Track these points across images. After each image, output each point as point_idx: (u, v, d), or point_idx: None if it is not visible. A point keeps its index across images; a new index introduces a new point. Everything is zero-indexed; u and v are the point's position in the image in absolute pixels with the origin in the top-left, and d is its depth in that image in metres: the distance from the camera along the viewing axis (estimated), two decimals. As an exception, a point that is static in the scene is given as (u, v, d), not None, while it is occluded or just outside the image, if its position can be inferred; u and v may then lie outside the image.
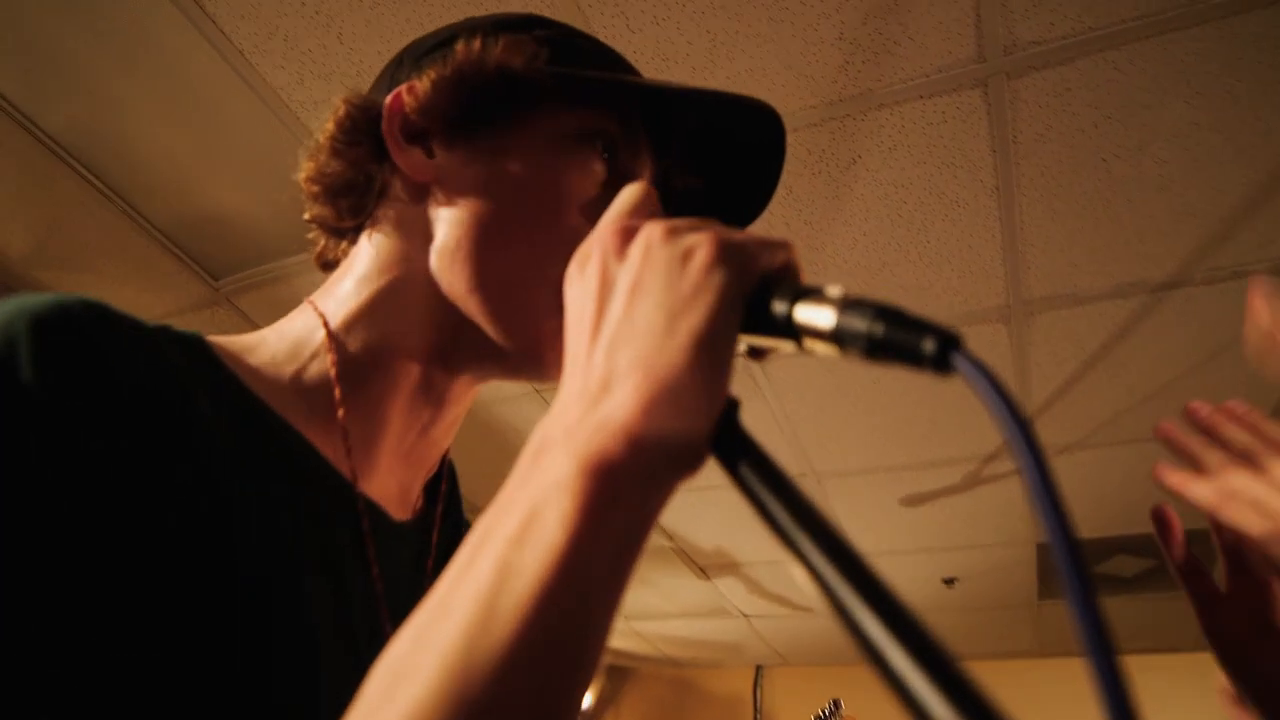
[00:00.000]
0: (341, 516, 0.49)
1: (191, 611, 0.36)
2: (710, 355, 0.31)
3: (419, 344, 0.53)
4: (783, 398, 2.47)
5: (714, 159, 0.61)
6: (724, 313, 0.32)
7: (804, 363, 2.30)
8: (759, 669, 4.86)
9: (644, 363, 0.31)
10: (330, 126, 0.54)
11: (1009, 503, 2.93)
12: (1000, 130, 1.62)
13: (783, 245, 0.35)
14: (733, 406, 0.33)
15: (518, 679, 0.26)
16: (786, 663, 4.80)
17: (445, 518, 0.60)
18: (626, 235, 0.36)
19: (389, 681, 0.27)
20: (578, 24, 1.47)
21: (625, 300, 0.33)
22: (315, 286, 0.59)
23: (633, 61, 1.55)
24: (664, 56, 1.52)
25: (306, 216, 0.57)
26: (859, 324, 0.30)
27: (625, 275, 0.34)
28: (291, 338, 0.53)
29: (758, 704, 4.74)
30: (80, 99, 1.71)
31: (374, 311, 0.53)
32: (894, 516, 3.10)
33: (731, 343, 0.33)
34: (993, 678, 4.02)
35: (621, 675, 5.21)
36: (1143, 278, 1.92)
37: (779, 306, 0.33)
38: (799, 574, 0.27)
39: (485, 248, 0.51)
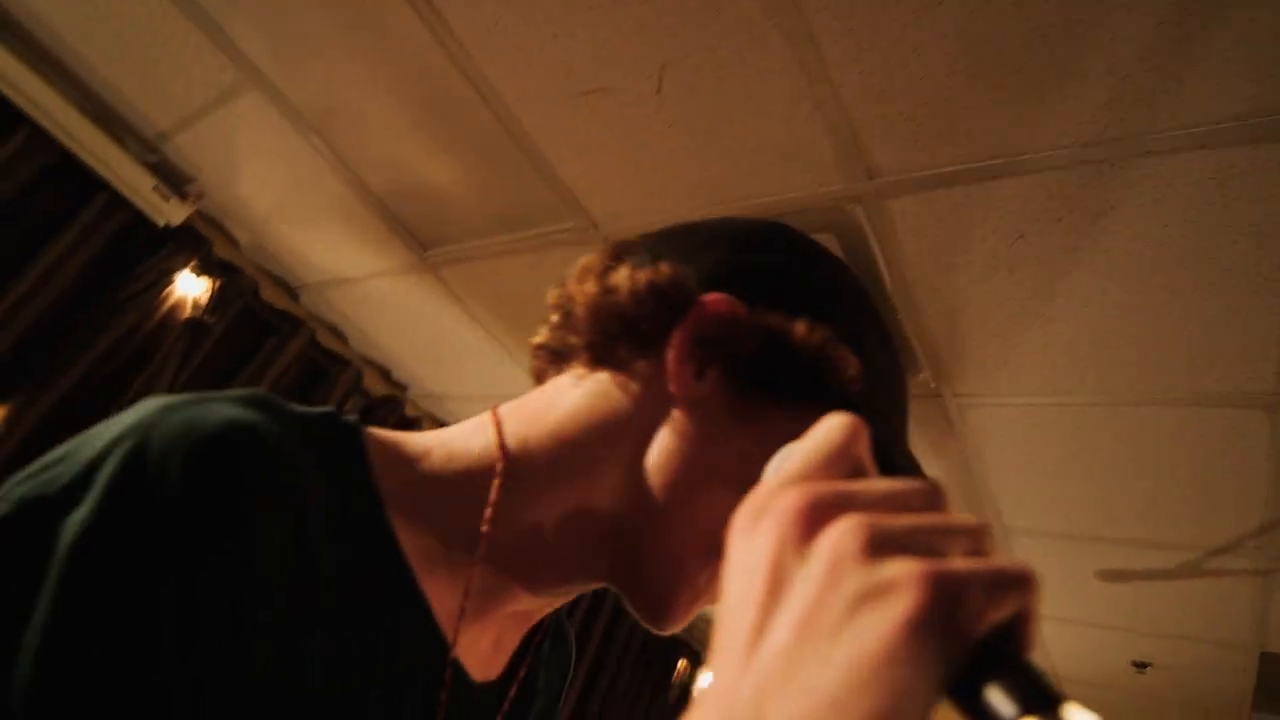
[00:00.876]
0: (424, 680, 0.47)
1: None
2: None
3: (576, 532, 0.50)
4: (979, 442, 2.24)
5: None
6: (918, 701, 0.23)
7: (1009, 413, 2.07)
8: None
9: None
10: (641, 282, 0.51)
11: (1232, 603, 2.52)
12: (1305, 194, 1.32)
13: (1019, 582, 0.25)
14: None
15: None
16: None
17: (528, 677, 0.57)
18: (815, 519, 0.27)
19: None
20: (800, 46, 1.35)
21: (794, 636, 0.25)
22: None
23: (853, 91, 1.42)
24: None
25: (554, 318, 0.55)
26: None
27: (800, 596, 0.26)
28: (462, 464, 0.49)
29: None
30: (320, 73, 1.82)
31: (556, 479, 0.50)
32: (1086, 587, 2.77)
33: None
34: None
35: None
36: None
37: (998, 704, 0.23)
38: None
39: (693, 505, 0.49)
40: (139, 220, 2.36)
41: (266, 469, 0.37)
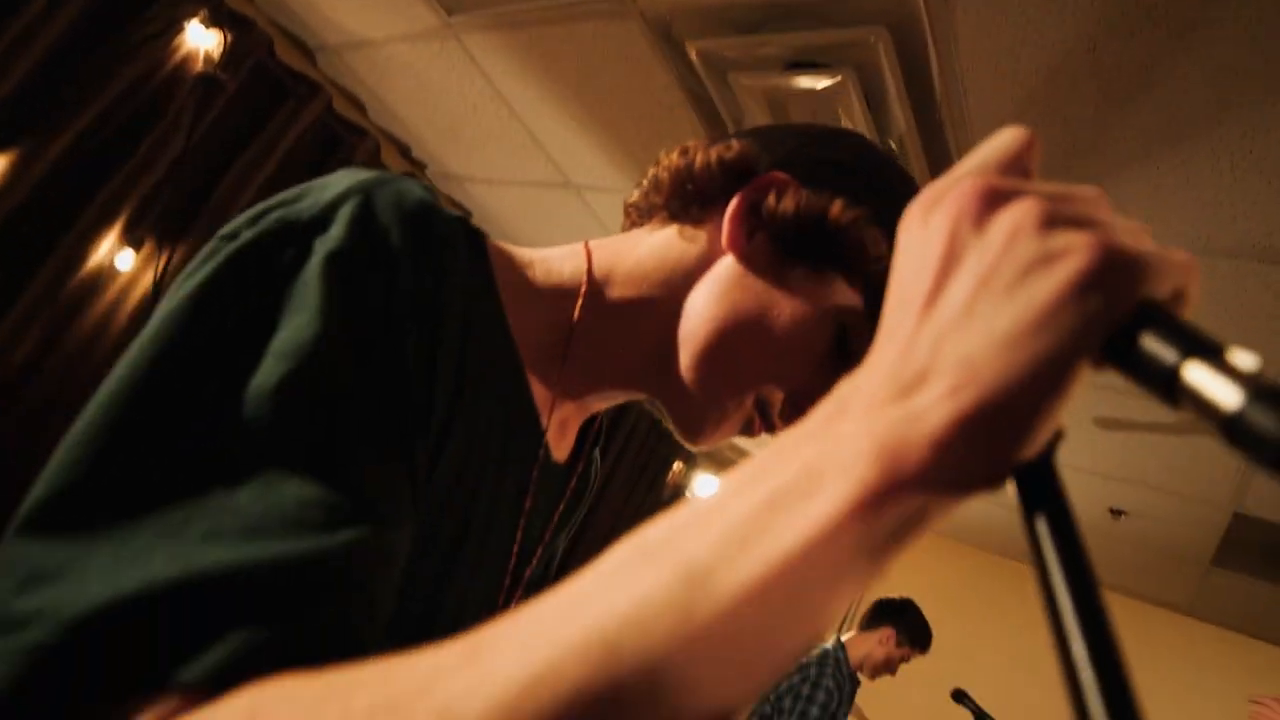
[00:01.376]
0: (524, 455, 0.58)
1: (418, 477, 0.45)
2: (1048, 388, 0.25)
3: (636, 350, 0.61)
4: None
5: None
6: (1081, 347, 0.25)
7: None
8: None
9: (972, 370, 0.26)
10: (713, 155, 0.62)
11: (1219, 462, 2.57)
12: None
13: (1181, 265, 0.27)
14: (1052, 441, 0.28)
15: (657, 687, 0.24)
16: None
17: (581, 476, 0.69)
18: (992, 201, 0.29)
19: (595, 587, 0.27)
20: None
21: (971, 292, 0.27)
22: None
23: None
24: None
25: (644, 183, 0.66)
26: (1271, 428, 0.23)
27: (978, 261, 0.28)
28: (556, 280, 0.61)
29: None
30: None
31: (625, 309, 0.61)
32: (1082, 431, 2.81)
33: (1076, 377, 0.26)
34: (1131, 616, 3.79)
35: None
36: None
37: (1160, 353, 0.26)
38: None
39: (725, 337, 0.58)
40: (144, -47, 2.20)
41: (449, 244, 0.47)
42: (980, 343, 0.26)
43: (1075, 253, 0.26)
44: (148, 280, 2.43)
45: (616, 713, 0.24)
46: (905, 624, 3.00)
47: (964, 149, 1.78)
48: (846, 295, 0.58)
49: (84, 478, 0.34)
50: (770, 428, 0.62)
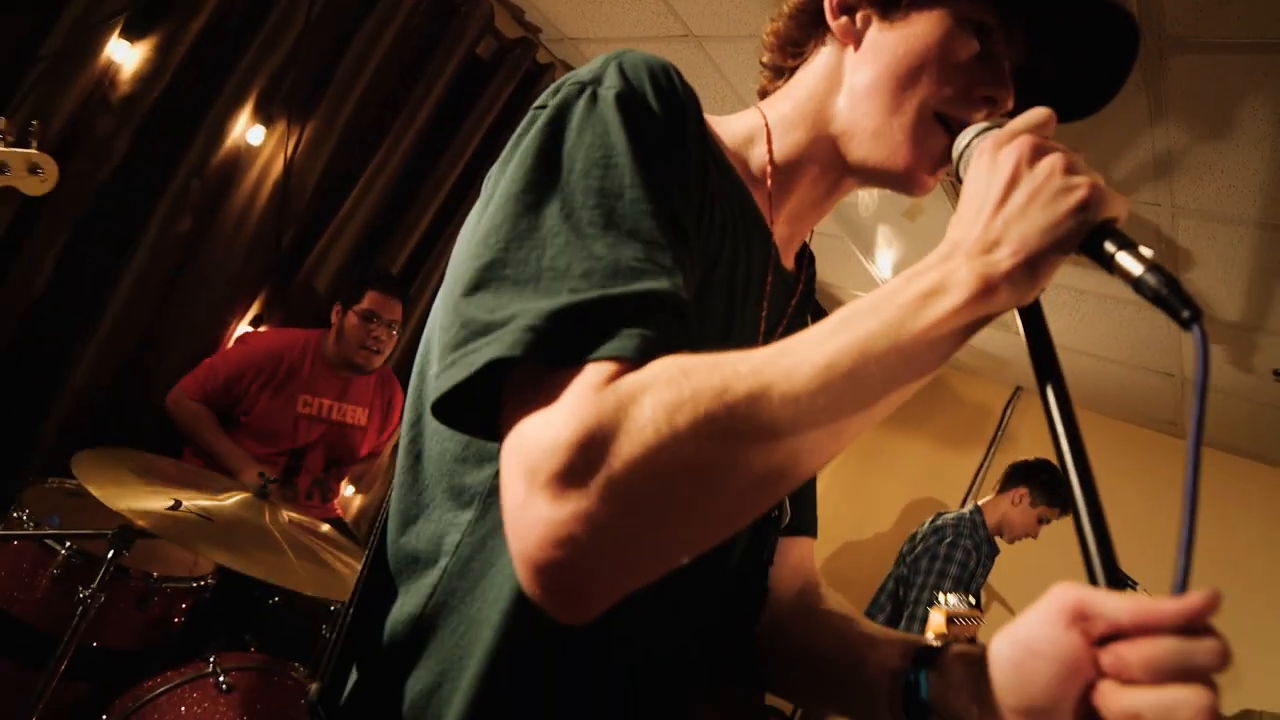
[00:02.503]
0: (762, 249, 0.75)
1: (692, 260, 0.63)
2: (1056, 257, 0.53)
3: (818, 154, 0.78)
4: (1179, 100, 1.97)
5: (1073, 59, 0.78)
6: (1076, 237, 0.53)
7: (1216, 63, 1.77)
8: (1017, 390, 4.67)
9: (1024, 243, 0.52)
10: (794, 1, 0.79)
11: None
12: None
13: (1123, 202, 0.54)
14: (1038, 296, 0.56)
15: (887, 377, 0.51)
16: (1049, 395, 4.54)
17: (805, 284, 0.86)
18: (1039, 152, 0.55)
19: (842, 323, 0.51)
20: None
21: (1024, 201, 0.54)
22: None
23: None
24: None
25: (763, 60, 0.83)
26: (1153, 281, 0.49)
27: (1029, 183, 0.54)
28: (745, 129, 0.80)
29: (1003, 423, 4.64)
30: None
31: (796, 127, 0.79)
32: (1255, 278, 2.56)
33: (1069, 253, 0.53)
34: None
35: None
36: None
37: (1109, 246, 0.52)
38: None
39: (891, 90, 0.72)
40: None
41: (686, 93, 0.65)
42: (1029, 229, 0.53)
43: (1079, 188, 0.53)
44: (280, 163, 2.52)
45: (864, 383, 0.50)
46: (1039, 483, 2.97)
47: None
48: (961, 6, 0.71)
49: (490, 261, 0.54)
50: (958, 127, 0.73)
